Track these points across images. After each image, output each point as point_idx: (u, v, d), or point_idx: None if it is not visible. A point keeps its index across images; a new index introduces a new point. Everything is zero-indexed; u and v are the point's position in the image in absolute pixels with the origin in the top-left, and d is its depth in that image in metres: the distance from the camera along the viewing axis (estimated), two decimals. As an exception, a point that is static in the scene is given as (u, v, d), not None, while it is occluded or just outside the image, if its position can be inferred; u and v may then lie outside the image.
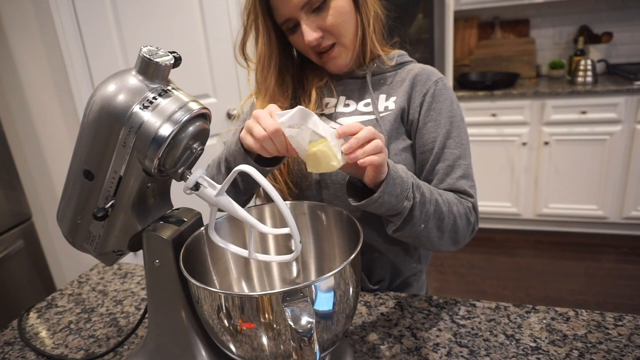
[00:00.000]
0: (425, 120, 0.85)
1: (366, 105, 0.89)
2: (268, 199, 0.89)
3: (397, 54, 0.92)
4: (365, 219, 0.85)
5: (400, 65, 0.91)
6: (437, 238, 0.77)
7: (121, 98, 0.54)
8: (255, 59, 0.89)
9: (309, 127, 0.63)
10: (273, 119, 0.66)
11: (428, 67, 0.90)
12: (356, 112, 0.89)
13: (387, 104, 0.88)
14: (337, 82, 0.92)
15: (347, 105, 0.90)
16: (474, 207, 0.83)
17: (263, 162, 0.75)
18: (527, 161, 2.75)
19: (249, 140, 0.69)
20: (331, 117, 0.90)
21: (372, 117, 0.87)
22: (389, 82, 0.90)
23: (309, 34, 0.80)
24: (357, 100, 0.90)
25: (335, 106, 0.91)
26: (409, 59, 0.93)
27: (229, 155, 0.80)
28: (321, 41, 0.82)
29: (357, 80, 0.91)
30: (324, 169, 0.63)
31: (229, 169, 0.82)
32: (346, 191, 0.73)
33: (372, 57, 0.91)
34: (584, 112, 2.58)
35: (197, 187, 0.58)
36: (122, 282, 1.04)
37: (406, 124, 0.87)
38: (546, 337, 0.72)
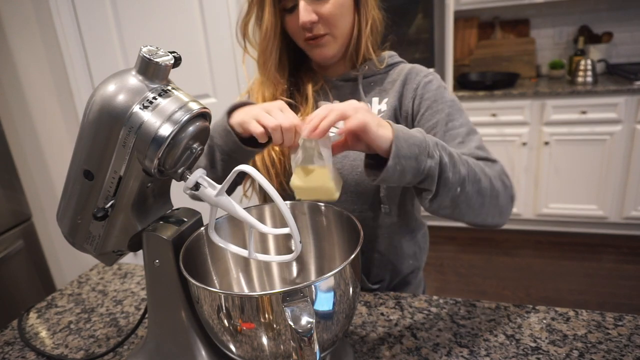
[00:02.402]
0: (421, 110, 0.84)
1: None
2: (267, 199, 0.89)
3: (387, 55, 0.92)
4: (364, 220, 0.85)
5: (391, 66, 0.91)
6: (479, 205, 0.71)
7: (121, 98, 0.54)
8: (260, 36, 0.87)
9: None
10: (285, 114, 0.68)
11: (418, 65, 0.91)
12: None
13: (380, 106, 0.88)
14: (331, 85, 0.93)
15: None
16: (504, 171, 0.77)
17: (247, 143, 0.77)
18: (527, 161, 2.75)
19: (253, 126, 0.70)
20: None
21: None
22: (381, 84, 0.90)
23: (305, 15, 0.80)
24: None
25: None
26: (399, 59, 0.93)
27: (213, 132, 0.79)
28: (314, 26, 0.82)
29: (349, 84, 0.92)
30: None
31: (210, 147, 0.82)
32: (365, 169, 0.69)
33: (364, 59, 0.91)
34: (584, 112, 2.58)
35: (197, 187, 0.58)
36: (122, 282, 1.04)
37: (401, 121, 0.87)
38: (546, 337, 0.72)
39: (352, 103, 0.64)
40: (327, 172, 0.65)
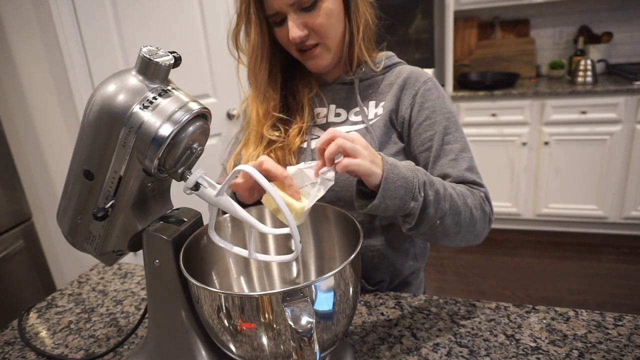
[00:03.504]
0: (419, 119, 0.84)
1: (356, 114, 0.89)
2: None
3: (385, 57, 0.91)
4: (362, 222, 0.84)
5: (389, 67, 0.91)
6: (454, 233, 0.75)
7: (121, 98, 0.54)
8: (248, 50, 0.88)
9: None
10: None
11: (417, 68, 0.90)
12: (347, 122, 0.89)
13: (377, 110, 0.87)
14: (326, 89, 0.92)
15: (338, 114, 0.90)
16: (487, 197, 0.81)
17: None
18: (527, 161, 2.75)
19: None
20: (323, 127, 0.90)
21: (363, 125, 0.87)
22: (378, 87, 0.89)
23: (294, 31, 0.80)
24: (347, 108, 0.90)
25: (327, 116, 0.91)
26: (397, 60, 0.92)
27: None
28: (305, 39, 0.82)
29: (344, 87, 0.91)
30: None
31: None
32: (355, 197, 0.71)
33: (359, 62, 0.90)
34: (584, 112, 2.58)
35: (197, 187, 0.58)
36: (122, 282, 1.04)
37: (397, 126, 0.86)
38: (546, 337, 0.72)
39: (355, 139, 0.65)
40: (305, 201, 0.65)
